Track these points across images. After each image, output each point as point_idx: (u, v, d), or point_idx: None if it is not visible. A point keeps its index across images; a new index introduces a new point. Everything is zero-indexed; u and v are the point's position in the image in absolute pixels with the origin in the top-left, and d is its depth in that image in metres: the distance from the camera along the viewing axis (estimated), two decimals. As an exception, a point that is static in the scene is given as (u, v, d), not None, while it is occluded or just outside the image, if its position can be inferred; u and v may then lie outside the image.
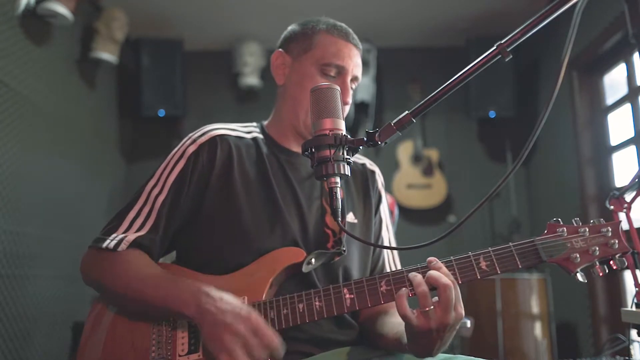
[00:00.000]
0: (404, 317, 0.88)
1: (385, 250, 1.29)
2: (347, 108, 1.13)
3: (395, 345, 1.05)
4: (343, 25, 1.21)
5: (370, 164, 1.34)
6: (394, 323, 1.08)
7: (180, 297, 0.95)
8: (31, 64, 2.55)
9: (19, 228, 2.39)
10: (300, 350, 1.05)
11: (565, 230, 0.93)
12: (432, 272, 0.88)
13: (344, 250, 1.10)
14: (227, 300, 0.93)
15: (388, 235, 1.32)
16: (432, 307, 0.86)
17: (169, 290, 0.97)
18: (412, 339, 0.92)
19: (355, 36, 1.21)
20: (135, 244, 1.05)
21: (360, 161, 1.32)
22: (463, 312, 0.88)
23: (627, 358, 1.36)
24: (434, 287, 0.87)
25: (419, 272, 0.92)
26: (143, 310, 1.02)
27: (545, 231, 0.95)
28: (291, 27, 1.25)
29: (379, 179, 1.33)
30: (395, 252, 1.32)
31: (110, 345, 1.02)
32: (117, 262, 1.03)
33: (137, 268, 1.03)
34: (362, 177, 1.29)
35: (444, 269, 0.90)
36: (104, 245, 1.04)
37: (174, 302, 0.95)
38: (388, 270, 1.26)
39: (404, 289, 0.91)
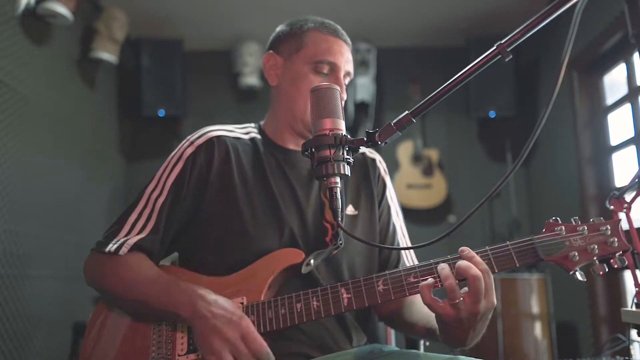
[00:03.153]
0: (428, 305, 0.88)
1: (400, 242, 1.28)
2: (343, 104, 1.13)
3: (426, 334, 1.06)
4: (331, 22, 1.22)
5: (370, 152, 1.32)
6: (423, 313, 1.09)
7: (177, 300, 0.98)
8: (31, 64, 2.55)
9: (19, 228, 2.39)
10: (301, 352, 1.05)
11: (564, 228, 0.93)
12: (462, 263, 0.87)
13: (341, 244, 1.11)
14: (220, 304, 0.95)
15: (399, 222, 1.30)
16: (461, 299, 0.86)
17: (168, 293, 0.99)
18: (444, 329, 0.93)
19: (343, 32, 1.21)
20: (137, 247, 1.06)
21: (360, 151, 1.31)
22: (495, 301, 0.88)
23: (627, 358, 1.36)
24: (464, 278, 0.86)
25: (448, 264, 0.91)
26: (142, 312, 1.04)
27: (544, 230, 0.94)
28: (279, 28, 1.26)
29: (381, 165, 1.32)
30: (407, 242, 1.31)
31: (111, 344, 1.03)
32: (119, 265, 1.05)
33: (138, 271, 1.04)
34: (362, 166, 1.28)
35: (477, 257, 0.89)
36: (106, 249, 1.06)
37: (172, 305, 0.98)
38: (405, 262, 1.25)
39: (430, 279, 0.91)
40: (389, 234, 1.26)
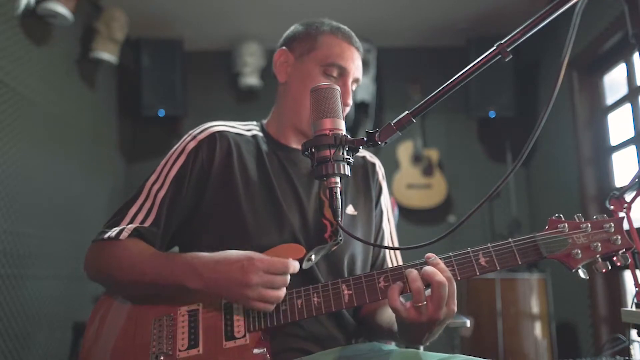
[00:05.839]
0: (393, 309, 0.90)
1: (386, 243, 1.30)
2: (348, 109, 1.13)
3: (388, 334, 1.08)
4: (346, 28, 1.23)
5: (371, 157, 1.35)
6: (389, 313, 1.10)
7: (181, 272, 0.97)
8: (31, 64, 2.55)
9: (19, 228, 2.39)
10: (300, 347, 1.06)
11: (567, 225, 0.92)
12: (428, 268, 0.89)
13: (341, 240, 1.11)
14: (224, 261, 0.95)
15: (389, 228, 1.32)
16: (424, 302, 0.87)
17: (170, 267, 0.99)
18: (402, 329, 0.96)
19: (357, 39, 1.23)
20: (137, 232, 1.06)
21: (361, 154, 1.33)
22: (455, 309, 0.90)
23: (627, 358, 1.36)
24: (429, 283, 0.88)
25: (416, 268, 0.93)
26: (147, 292, 1.03)
27: (547, 227, 0.94)
28: (295, 27, 1.26)
29: (380, 170, 1.34)
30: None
31: (112, 340, 1.03)
32: (118, 249, 1.05)
33: (137, 252, 1.04)
34: (363, 169, 1.30)
35: (441, 265, 0.91)
36: (106, 236, 1.06)
37: (177, 278, 0.97)
38: (389, 264, 1.26)
39: (399, 282, 0.92)
40: (377, 239, 1.28)
